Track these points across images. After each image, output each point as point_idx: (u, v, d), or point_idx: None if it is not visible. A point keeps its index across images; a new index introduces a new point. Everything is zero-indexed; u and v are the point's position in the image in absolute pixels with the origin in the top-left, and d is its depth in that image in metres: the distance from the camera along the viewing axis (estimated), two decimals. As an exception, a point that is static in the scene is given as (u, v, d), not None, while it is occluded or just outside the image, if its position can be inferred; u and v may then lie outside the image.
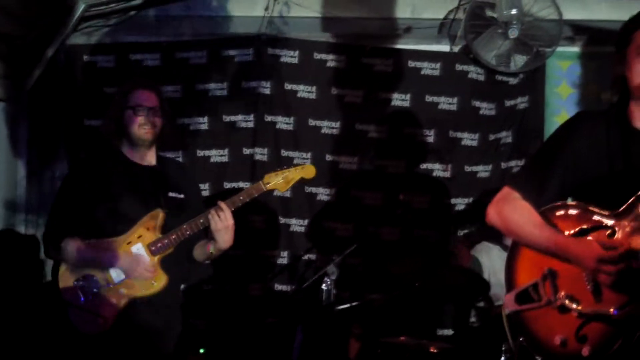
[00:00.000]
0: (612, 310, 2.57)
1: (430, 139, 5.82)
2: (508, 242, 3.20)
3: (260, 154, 5.79)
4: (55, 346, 4.49)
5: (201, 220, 4.02)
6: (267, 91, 5.80)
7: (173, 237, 4.02)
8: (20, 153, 5.95)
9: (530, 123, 5.82)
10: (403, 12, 5.76)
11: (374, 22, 5.79)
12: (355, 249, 4.90)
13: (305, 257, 5.76)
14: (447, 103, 5.82)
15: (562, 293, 2.71)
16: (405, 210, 5.73)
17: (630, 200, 2.64)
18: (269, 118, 5.81)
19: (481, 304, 5.10)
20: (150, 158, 4.24)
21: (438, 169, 5.83)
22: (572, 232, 2.75)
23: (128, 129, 4.15)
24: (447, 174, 5.82)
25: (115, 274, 4.00)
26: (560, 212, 2.83)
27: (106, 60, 5.91)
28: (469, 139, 5.83)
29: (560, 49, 5.63)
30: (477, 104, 5.83)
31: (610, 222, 2.68)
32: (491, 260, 5.15)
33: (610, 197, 2.70)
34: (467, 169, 5.83)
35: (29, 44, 5.67)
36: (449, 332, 5.58)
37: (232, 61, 5.83)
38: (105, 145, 4.30)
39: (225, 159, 5.83)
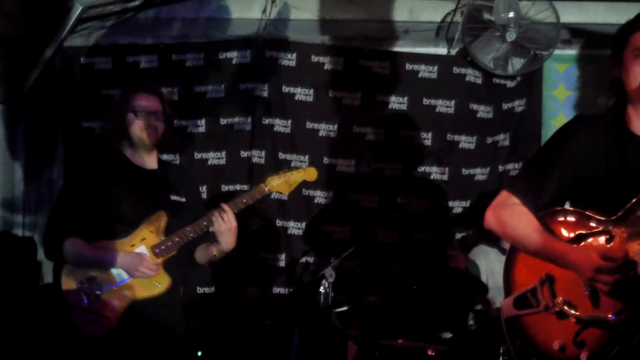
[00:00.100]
0: (609, 315, 2.57)
1: (428, 142, 5.82)
2: (505, 245, 3.21)
3: (258, 156, 5.79)
4: (55, 348, 4.48)
5: (204, 223, 4.03)
6: (265, 94, 5.80)
7: (176, 239, 4.02)
8: (17, 155, 5.93)
9: (527, 126, 5.81)
10: (400, 14, 5.77)
11: (372, 24, 5.80)
12: (352, 251, 4.90)
13: (303, 259, 5.76)
14: (444, 106, 5.82)
15: (560, 298, 2.71)
16: (403, 213, 5.73)
17: (627, 205, 2.64)
18: (266, 120, 5.80)
19: (479, 307, 5.10)
20: (152, 161, 4.25)
21: (435, 172, 5.83)
22: (569, 237, 2.75)
23: (130, 132, 4.15)
24: (445, 177, 5.82)
25: (118, 275, 4.00)
26: (558, 217, 2.83)
27: (103, 62, 5.90)
28: (466, 142, 5.84)
29: (557, 52, 5.63)
30: (474, 106, 5.83)
31: (607, 228, 2.68)
32: (489, 263, 5.15)
33: (608, 201, 2.71)
34: (465, 171, 5.83)
35: (27, 45, 5.66)
36: (446, 334, 5.58)
37: (230, 63, 5.83)
38: (106, 147, 4.30)
39: (222, 162, 5.83)
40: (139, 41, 5.91)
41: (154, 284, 4.01)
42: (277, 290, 5.77)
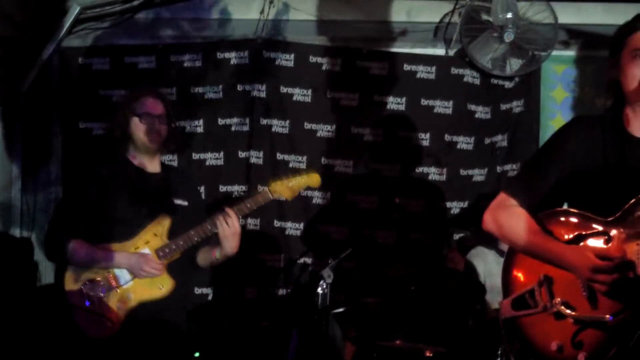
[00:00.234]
0: (607, 316, 2.57)
1: (426, 143, 5.82)
2: (503, 247, 3.21)
3: (256, 157, 5.79)
4: (56, 349, 4.48)
5: (209, 227, 4.06)
6: (263, 94, 5.80)
7: (181, 242, 4.06)
8: (14, 155, 5.92)
9: (525, 127, 5.81)
10: (398, 15, 5.77)
11: (370, 25, 5.80)
12: (350, 252, 4.90)
13: (301, 260, 5.75)
14: (442, 107, 5.82)
15: (558, 299, 2.71)
16: (401, 214, 5.73)
17: (625, 207, 2.64)
18: (264, 121, 5.80)
19: (477, 308, 5.10)
20: (155, 165, 4.28)
21: (433, 173, 5.82)
22: (567, 238, 2.75)
23: (134, 136, 4.19)
24: (443, 178, 5.82)
25: (122, 277, 4.01)
26: (556, 219, 2.83)
27: (101, 62, 5.90)
28: (464, 143, 5.83)
29: (555, 52, 5.63)
30: (472, 107, 5.83)
31: (606, 229, 2.68)
32: (487, 265, 5.15)
33: (606, 203, 2.71)
34: (463, 172, 5.82)
35: (24, 46, 5.66)
36: (444, 335, 5.57)
37: (228, 64, 5.83)
38: (110, 150, 4.32)
39: (220, 162, 5.83)
40: (136, 42, 5.91)
41: (157, 286, 4.03)
42: (275, 291, 5.77)
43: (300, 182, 4.23)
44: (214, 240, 4.14)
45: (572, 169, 2.86)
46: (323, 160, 5.80)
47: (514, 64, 5.64)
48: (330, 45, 5.87)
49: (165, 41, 5.89)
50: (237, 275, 5.67)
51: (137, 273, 3.99)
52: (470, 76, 5.82)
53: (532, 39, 5.48)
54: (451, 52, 5.83)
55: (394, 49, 5.86)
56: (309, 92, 5.82)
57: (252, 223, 5.73)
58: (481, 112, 5.85)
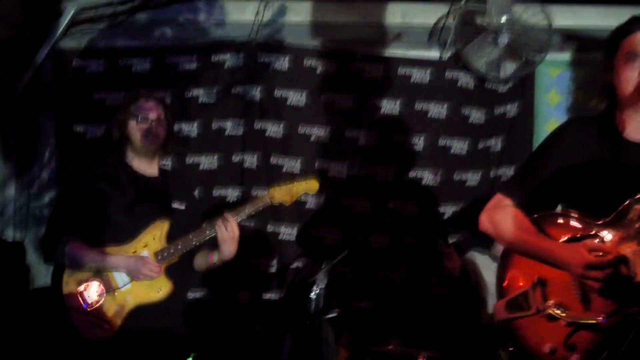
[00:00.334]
0: (600, 318, 2.57)
1: (419, 147, 5.81)
2: (497, 251, 3.20)
3: (250, 160, 5.78)
4: (50, 354, 4.47)
5: (207, 231, 4.09)
6: (257, 97, 5.79)
7: (179, 245, 4.08)
8: (8, 157, 5.91)
9: (519, 131, 5.79)
10: (393, 18, 5.74)
11: (364, 28, 5.78)
12: (344, 256, 4.89)
13: (294, 265, 5.74)
14: (436, 110, 5.81)
15: (551, 301, 2.71)
16: (395, 218, 5.72)
17: (619, 208, 2.64)
18: (258, 124, 5.79)
19: (471, 312, 5.09)
20: (153, 168, 4.31)
21: (427, 177, 5.82)
22: (562, 239, 2.75)
23: (132, 139, 4.21)
24: (437, 182, 5.81)
25: (120, 279, 4.02)
26: (551, 220, 2.84)
27: (96, 65, 5.88)
28: (458, 147, 5.82)
29: (550, 56, 5.62)
30: (466, 111, 5.82)
31: (600, 230, 2.69)
32: (481, 269, 5.14)
33: (601, 204, 2.71)
34: (457, 176, 5.81)
35: (19, 47, 5.65)
36: (438, 340, 5.56)
37: (222, 67, 5.82)
38: (108, 153, 4.33)
39: (214, 165, 5.82)
40: (131, 44, 5.88)
41: (155, 289, 4.04)
42: (268, 295, 5.75)
43: (299, 188, 4.31)
44: (211, 244, 4.15)
45: (567, 170, 2.87)
46: (317, 163, 5.79)
47: (509, 68, 5.64)
48: (325, 49, 5.86)
49: (160, 44, 5.87)
50: (230, 279, 5.66)
51: (135, 275, 4.00)
52: (465, 80, 5.81)
53: (526, 42, 5.48)
54: (446, 56, 5.81)
55: (389, 52, 5.85)
56: (304, 95, 5.81)
57: (246, 227, 5.70)
58: (475, 115, 5.84)
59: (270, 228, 5.76)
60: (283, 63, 5.81)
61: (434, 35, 5.76)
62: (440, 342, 5.24)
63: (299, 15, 5.72)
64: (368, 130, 5.81)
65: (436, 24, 5.71)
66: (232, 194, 5.79)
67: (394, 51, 5.86)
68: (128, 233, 4.09)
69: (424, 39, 5.79)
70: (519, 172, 3.23)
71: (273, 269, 5.78)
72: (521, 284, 2.85)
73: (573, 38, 5.73)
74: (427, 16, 5.72)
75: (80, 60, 5.86)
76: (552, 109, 5.80)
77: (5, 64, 5.66)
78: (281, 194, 4.26)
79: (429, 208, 5.79)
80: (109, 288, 4.00)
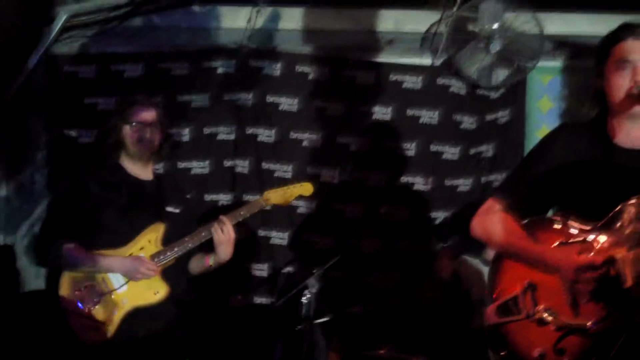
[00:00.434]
0: (589, 323, 2.57)
1: (411, 152, 5.82)
2: (488, 256, 3.21)
3: (241, 166, 5.78)
4: (46, 357, 4.46)
5: (203, 234, 4.13)
6: (249, 103, 5.80)
7: (175, 248, 4.10)
8: (-1, 161, 5.91)
9: (511, 137, 5.81)
10: (385, 25, 5.76)
11: (357, 34, 5.79)
12: (335, 261, 4.89)
13: (286, 269, 5.74)
14: (428, 117, 5.82)
15: (541, 306, 2.71)
16: (386, 223, 5.72)
17: (610, 214, 2.65)
18: (250, 130, 5.80)
19: (462, 317, 5.09)
20: (148, 172, 4.33)
21: (419, 182, 5.82)
22: (554, 244, 2.76)
23: (127, 144, 4.22)
24: (428, 188, 5.81)
25: (117, 281, 4.02)
26: (543, 225, 2.85)
27: (87, 70, 5.88)
28: (449, 153, 5.83)
29: (541, 63, 5.63)
30: (458, 117, 5.84)
31: (591, 236, 2.69)
32: (471, 274, 5.15)
33: (592, 210, 2.72)
34: (448, 182, 5.82)
35: (11, 52, 5.63)
36: (430, 344, 5.57)
37: (214, 73, 5.82)
38: (103, 158, 4.33)
39: (205, 171, 5.82)
40: (123, 50, 5.88)
41: (152, 291, 4.04)
42: (259, 300, 5.75)
43: (294, 191, 4.39)
44: (206, 247, 4.16)
45: (559, 176, 2.88)
46: (308, 169, 5.79)
47: (500, 75, 5.65)
48: (316, 55, 5.87)
49: (152, 49, 5.87)
50: (222, 283, 5.65)
51: (132, 276, 4.01)
52: (456, 86, 5.82)
53: (518, 49, 5.50)
54: (437, 62, 5.83)
55: (381, 59, 5.87)
56: (295, 101, 5.82)
57: (237, 232, 5.68)
58: (467, 122, 5.85)
59: (261, 232, 5.77)
60: (275, 69, 5.83)
61: (426, 41, 5.78)
62: (431, 347, 5.25)
63: (292, 21, 5.74)
64: (360, 136, 5.82)
65: (428, 30, 5.73)
66: (223, 199, 5.80)
67: (386, 57, 5.87)
68: (124, 237, 4.10)
69: (416, 46, 5.81)
70: (510, 178, 3.24)
71: (264, 274, 5.78)
72: (512, 288, 2.85)
73: (564, 45, 5.76)
74: (420, 23, 5.74)
75: (71, 66, 5.85)
76: (543, 115, 5.82)
77: (-4, 69, 5.66)
78: (276, 196, 4.33)
79: (421, 213, 5.80)
80: (106, 290, 4.00)
